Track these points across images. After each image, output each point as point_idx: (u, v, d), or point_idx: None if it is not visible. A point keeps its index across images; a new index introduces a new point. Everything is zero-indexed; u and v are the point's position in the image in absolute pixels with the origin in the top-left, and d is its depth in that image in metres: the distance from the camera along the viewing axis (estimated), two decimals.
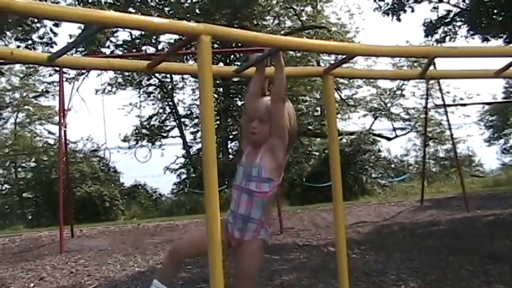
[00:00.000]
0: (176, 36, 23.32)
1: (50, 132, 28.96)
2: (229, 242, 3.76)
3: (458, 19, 17.86)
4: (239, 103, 27.82)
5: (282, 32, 25.58)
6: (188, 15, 23.68)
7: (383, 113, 29.60)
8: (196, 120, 28.37)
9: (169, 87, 28.88)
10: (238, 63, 22.31)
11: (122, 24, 2.96)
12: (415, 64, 25.70)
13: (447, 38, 18.15)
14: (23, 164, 26.45)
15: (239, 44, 19.11)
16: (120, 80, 28.16)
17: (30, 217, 22.00)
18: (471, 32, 17.31)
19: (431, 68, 4.78)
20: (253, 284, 3.73)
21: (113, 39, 26.43)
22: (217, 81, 23.79)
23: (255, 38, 3.48)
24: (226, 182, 21.00)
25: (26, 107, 29.92)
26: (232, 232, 3.75)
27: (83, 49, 23.66)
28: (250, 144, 3.82)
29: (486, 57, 4.38)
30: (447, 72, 5.09)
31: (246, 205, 3.69)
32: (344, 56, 3.97)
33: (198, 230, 4.14)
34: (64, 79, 14.62)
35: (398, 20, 17.68)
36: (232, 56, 25.98)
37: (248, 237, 3.71)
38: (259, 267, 3.85)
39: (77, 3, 23.14)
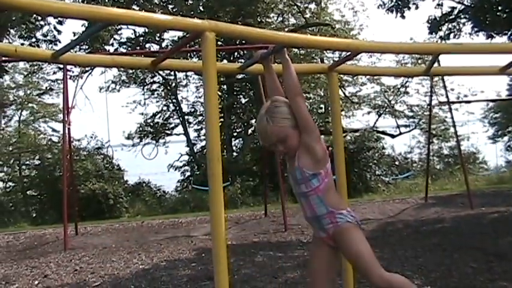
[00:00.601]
0: (180, 34, 23.44)
1: (54, 130, 29.06)
2: (327, 244, 3.70)
3: (462, 16, 17.84)
4: (243, 100, 27.84)
5: (286, 30, 25.53)
6: (192, 13, 23.65)
7: (387, 110, 29.54)
8: (200, 118, 28.38)
9: (173, 84, 28.87)
10: (242, 61, 22.31)
11: (126, 21, 2.97)
12: (419, 61, 25.64)
13: (451, 35, 18.13)
14: (27, 162, 26.40)
15: (243, 42, 19.17)
16: (124, 77, 28.17)
17: (34, 215, 21.96)
18: (475, 29, 17.29)
19: (436, 64, 4.77)
20: (371, 262, 3.54)
21: (116, 36, 26.42)
22: (221, 79, 23.77)
23: (260, 35, 3.47)
24: (230, 179, 21.05)
25: (30, 104, 30.02)
26: (319, 235, 3.72)
27: (87, 47, 23.64)
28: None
29: (491, 54, 4.37)
30: (452, 69, 5.08)
31: (309, 207, 3.65)
32: (348, 53, 3.97)
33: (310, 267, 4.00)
34: (68, 77, 14.64)
35: (403, 17, 17.66)
36: (236, 54, 25.97)
37: (331, 231, 3.62)
38: (364, 246, 3.60)
39: (81, 0, 23.14)
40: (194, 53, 19.56)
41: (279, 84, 3.86)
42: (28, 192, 24.03)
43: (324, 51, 25.38)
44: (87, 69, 22.85)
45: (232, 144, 27.50)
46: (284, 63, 3.61)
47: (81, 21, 19.49)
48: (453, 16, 17.99)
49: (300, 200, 3.71)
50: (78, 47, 21.52)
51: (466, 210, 13.22)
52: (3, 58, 12.88)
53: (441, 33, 18.30)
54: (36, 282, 8.27)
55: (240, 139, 27.85)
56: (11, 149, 26.82)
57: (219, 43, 19.63)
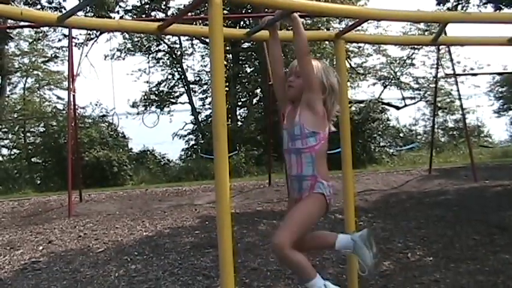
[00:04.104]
0: (186, 2, 23.29)
1: (58, 98, 29.05)
2: None
3: None
4: (248, 70, 27.72)
5: None
6: None
7: (392, 81, 29.42)
8: (205, 87, 28.34)
9: (179, 53, 28.77)
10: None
11: None
12: (426, 33, 25.43)
13: (459, 7, 17.94)
14: (32, 129, 26.40)
15: (249, 10, 19.02)
16: (129, 45, 28.10)
17: (39, 182, 22.00)
18: (484, 1, 17.10)
19: (443, 35, 4.73)
20: (293, 232, 3.48)
21: (122, 4, 26.29)
22: (227, 48, 23.66)
23: (267, 0, 3.42)
24: (238, 147, 21.13)
25: (35, 72, 29.88)
26: (295, 196, 3.72)
27: (92, 14, 23.52)
28: (288, 104, 3.80)
29: (499, 24, 4.34)
30: (459, 39, 5.05)
31: (297, 165, 3.65)
32: (356, 20, 3.93)
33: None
34: (73, 44, 14.57)
35: None
36: (242, 23, 25.81)
37: (306, 195, 3.63)
38: (307, 220, 3.60)
39: None
40: (201, 21, 19.43)
41: (281, 55, 3.86)
42: (33, 159, 24.09)
43: (331, 22, 25.23)
44: (92, 36, 22.77)
45: (237, 113, 27.47)
46: (295, 23, 3.60)
47: None
48: None
49: (290, 157, 3.70)
50: (83, 14, 21.42)
51: (470, 183, 13.20)
52: (8, 25, 12.82)
53: (449, 5, 18.09)
54: (41, 247, 8.32)
55: (245, 108, 27.80)
56: (16, 116, 26.81)
57: (225, 12, 19.46)
